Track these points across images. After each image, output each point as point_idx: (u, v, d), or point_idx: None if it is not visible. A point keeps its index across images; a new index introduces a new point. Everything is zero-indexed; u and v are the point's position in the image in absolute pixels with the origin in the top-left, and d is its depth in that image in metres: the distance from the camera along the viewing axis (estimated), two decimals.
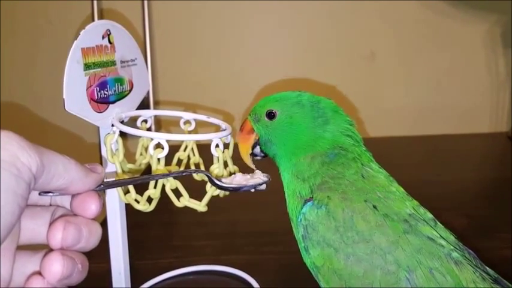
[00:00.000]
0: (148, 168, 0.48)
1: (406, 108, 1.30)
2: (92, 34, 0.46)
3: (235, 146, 0.52)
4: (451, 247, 0.36)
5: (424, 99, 1.30)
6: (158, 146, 0.45)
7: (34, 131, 1.28)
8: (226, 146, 0.50)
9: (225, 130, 0.49)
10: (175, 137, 0.46)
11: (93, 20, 1.15)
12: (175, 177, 0.44)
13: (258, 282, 0.60)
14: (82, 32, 0.44)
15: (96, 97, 0.46)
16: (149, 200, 0.47)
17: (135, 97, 0.53)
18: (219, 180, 0.43)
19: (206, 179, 0.45)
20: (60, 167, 0.30)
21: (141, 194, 0.47)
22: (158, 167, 0.46)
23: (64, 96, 0.42)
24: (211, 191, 0.47)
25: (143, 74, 0.55)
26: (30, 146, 0.28)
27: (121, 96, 0.51)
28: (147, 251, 0.69)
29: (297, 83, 1.25)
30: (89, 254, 0.33)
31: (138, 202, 0.47)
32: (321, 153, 0.42)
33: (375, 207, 0.37)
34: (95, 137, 1.15)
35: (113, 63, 0.49)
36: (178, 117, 0.55)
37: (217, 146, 0.47)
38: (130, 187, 0.47)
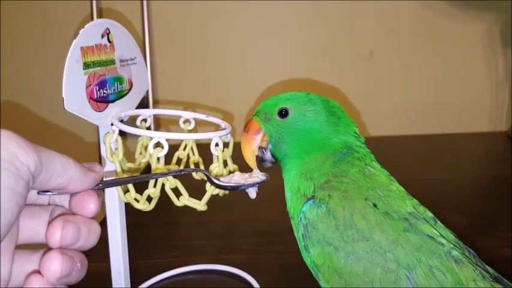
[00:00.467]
0: (148, 167, 0.48)
1: (405, 107, 1.30)
2: (91, 33, 0.46)
3: (235, 145, 0.51)
4: (451, 245, 0.36)
5: (423, 98, 1.30)
6: (158, 145, 0.45)
7: (33, 130, 1.28)
8: (225, 145, 0.50)
9: (224, 129, 0.49)
10: (174, 136, 0.46)
11: (92, 19, 1.14)
12: (174, 176, 0.44)
13: (257, 281, 0.60)
14: (81, 31, 0.44)
15: (96, 96, 0.46)
16: (149, 199, 0.47)
17: (135, 96, 0.53)
18: (218, 179, 0.43)
19: (205, 178, 0.45)
20: (58, 166, 0.30)
21: (141, 193, 0.47)
22: (158, 166, 0.46)
23: (63, 95, 0.42)
24: (210, 190, 0.47)
25: (143, 73, 0.55)
26: (28, 145, 0.28)
27: (120, 95, 0.50)
28: (146, 251, 0.69)
29: (299, 84, 1.25)
30: (88, 254, 0.33)
31: (137, 201, 0.47)
32: (333, 153, 0.42)
33: (375, 205, 0.37)
34: (94, 136, 1.15)
35: (112, 62, 0.49)
36: (178, 116, 0.55)
37: (217, 145, 0.47)
38: (130, 186, 0.46)
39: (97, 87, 0.46)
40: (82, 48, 0.44)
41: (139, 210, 0.47)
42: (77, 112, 0.44)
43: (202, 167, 0.51)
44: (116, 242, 0.52)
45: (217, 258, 0.66)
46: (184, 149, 0.51)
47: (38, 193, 0.32)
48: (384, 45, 1.28)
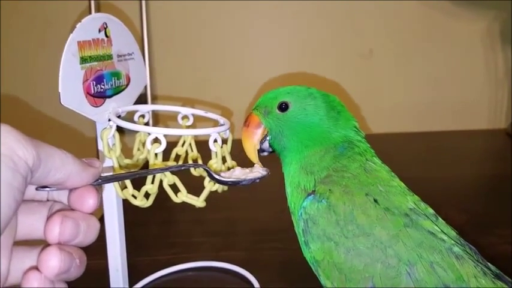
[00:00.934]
0: (146, 164, 0.48)
1: (404, 105, 1.30)
2: (88, 27, 0.45)
3: (233, 141, 0.51)
4: (452, 242, 0.36)
5: (422, 96, 1.30)
6: (156, 140, 0.44)
7: (32, 125, 1.27)
8: (224, 141, 0.49)
9: (223, 125, 0.48)
10: (173, 131, 0.46)
11: (90, 13, 1.14)
12: (173, 172, 0.44)
13: (256, 278, 0.59)
14: (78, 25, 0.44)
15: (93, 91, 0.46)
16: (147, 195, 0.46)
17: (132, 92, 0.53)
18: (218, 175, 0.42)
19: (205, 174, 0.44)
20: (57, 161, 0.30)
21: (139, 190, 0.46)
22: (156, 162, 0.45)
23: (60, 90, 0.42)
24: (209, 186, 0.47)
25: (140, 68, 0.54)
26: (27, 140, 0.28)
27: (118, 90, 0.50)
28: (144, 248, 0.69)
29: (298, 79, 1.25)
30: (87, 251, 0.32)
31: (135, 197, 0.46)
32: (333, 147, 0.42)
33: (375, 201, 0.37)
34: (94, 131, 1.15)
35: (110, 57, 0.49)
36: (176, 112, 0.54)
37: (215, 141, 0.47)
38: (128, 182, 0.46)
39: (94, 82, 0.46)
40: (79, 42, 0.44)
41: (138, 208, 0.47)
42: (73, 107, 0.43)
43: (201, 163, 0.50)
44: (113, 239, 0.51)
45: (216, 256, 0.65)
46: (183, 145, 0.51)
47: (37, 189, 0.32)
48: (383, 43, 1.28)
